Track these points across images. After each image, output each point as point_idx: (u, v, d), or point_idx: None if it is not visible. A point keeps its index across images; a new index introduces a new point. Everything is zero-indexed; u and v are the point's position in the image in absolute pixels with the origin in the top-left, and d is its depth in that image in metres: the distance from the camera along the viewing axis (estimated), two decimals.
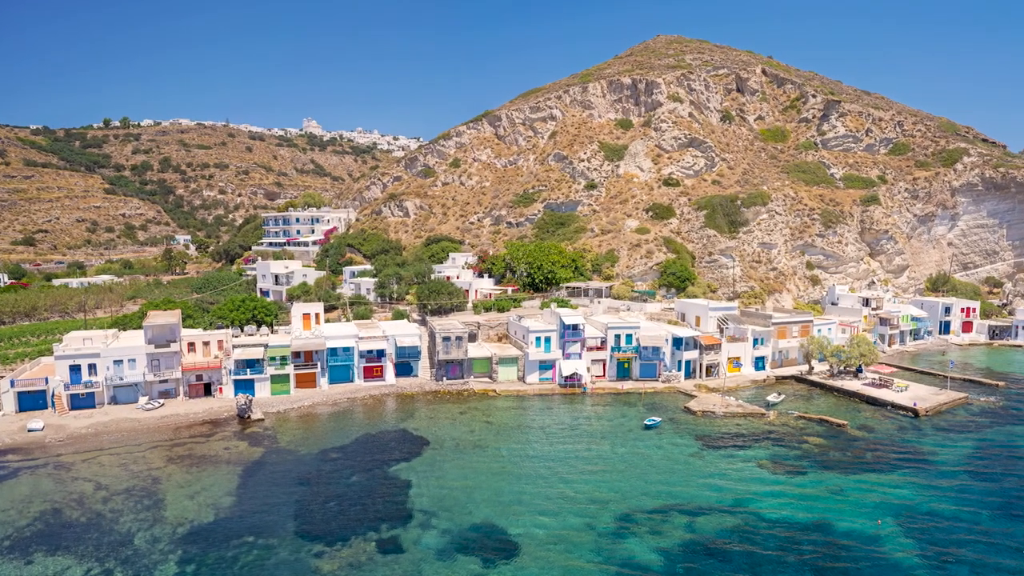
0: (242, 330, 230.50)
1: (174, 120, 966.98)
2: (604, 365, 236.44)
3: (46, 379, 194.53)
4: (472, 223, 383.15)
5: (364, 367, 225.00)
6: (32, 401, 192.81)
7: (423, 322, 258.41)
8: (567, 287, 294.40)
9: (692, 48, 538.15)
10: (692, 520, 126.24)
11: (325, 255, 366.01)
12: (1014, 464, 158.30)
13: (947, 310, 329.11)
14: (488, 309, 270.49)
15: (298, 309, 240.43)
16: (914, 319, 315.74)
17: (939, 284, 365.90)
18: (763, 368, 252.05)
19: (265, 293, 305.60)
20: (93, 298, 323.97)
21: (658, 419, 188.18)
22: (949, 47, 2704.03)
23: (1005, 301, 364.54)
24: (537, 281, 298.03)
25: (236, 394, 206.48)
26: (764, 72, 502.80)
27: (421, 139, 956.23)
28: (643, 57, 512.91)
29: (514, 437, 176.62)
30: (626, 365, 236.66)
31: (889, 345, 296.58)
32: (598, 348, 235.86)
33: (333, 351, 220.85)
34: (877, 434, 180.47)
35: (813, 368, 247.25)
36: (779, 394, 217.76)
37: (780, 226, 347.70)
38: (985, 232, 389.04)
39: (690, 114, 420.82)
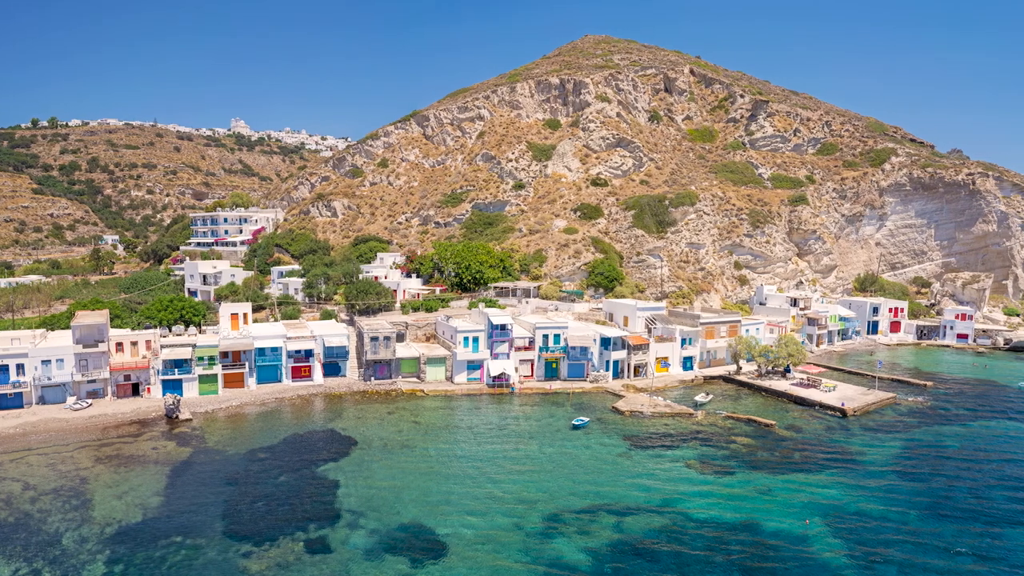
0: (170, 330, 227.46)
1: (102, 120, 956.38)
2: (532, 365, 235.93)
3: None
4: (400, 223, 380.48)
5: (292, 367, 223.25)
6: None
7: (351, 322, 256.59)
8: (495, 287, 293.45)
9: (620, 48, 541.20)
10: (620, 520, 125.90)
11: (253, 255, 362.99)
12: (942, 464, 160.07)
13: (875, 310, 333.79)
14: (416, 309, 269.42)
15: (226, 309, 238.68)
16: (842, 319, 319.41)
17: (867, 284, 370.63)
18: (691, 368, 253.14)
19: (193, 293, 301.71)
20: (21, 298, 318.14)
21: (586, 419, 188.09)
22: (877, 47, 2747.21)
23: (933, 301, 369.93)
24: (465, 281, 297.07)
25: (164, 394, 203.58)
26: (692, 72, 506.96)
27: (349, 139, 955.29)
28: (571, 57, 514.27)
29: (442, 437, 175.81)
30: (554, 365, 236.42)
31: (817, 345, 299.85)
32: (526, 348, 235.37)
33: (261, 351, 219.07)
34: (805, 434, 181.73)
35: (741, 368, 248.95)
36: (707, 394, 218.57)
37: (708, 226, 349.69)
38: (913, 232, 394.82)
39: (618, 114, 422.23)
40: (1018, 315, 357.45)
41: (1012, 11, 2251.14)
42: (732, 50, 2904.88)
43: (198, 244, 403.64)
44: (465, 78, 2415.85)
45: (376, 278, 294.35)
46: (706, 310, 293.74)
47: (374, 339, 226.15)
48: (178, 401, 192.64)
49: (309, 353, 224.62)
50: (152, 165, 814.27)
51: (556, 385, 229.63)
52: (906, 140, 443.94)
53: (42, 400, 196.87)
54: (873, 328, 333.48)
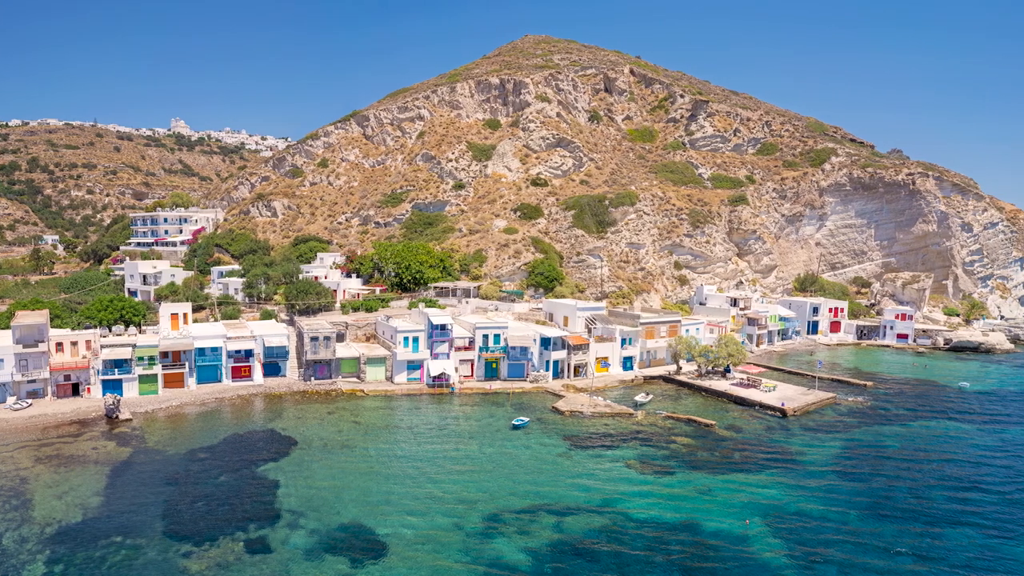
0: (110, 330, 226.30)
1: (42, 120, 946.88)
2: (472, 365, 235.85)
3: None
4: (340, 223, 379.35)
5: (232, 367, 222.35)
6: None
7: (291, 322, 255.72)
8: (435, 287, 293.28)
9: (560, 48, 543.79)
10: (560, 520, 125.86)
11: (193, 255, 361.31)
12: (881, 464, 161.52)
13: (815, 310, 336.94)
14: (356, 309, 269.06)
15: (166, 309, 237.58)
16: (782, 319, 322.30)
17: (807, 284, 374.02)
18: (631, 368, 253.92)
19: (133, 293, 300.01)
20: None
21: (526, 419, 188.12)
22: (817, 47, 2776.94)
23: (873, 301, 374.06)
24: (405, 281, 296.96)
25: (104, 394, 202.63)
26: (632, 72, 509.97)
27: (289, 139, 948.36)
28: (511, 57, 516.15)
29: (382, 437, 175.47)
30: (494, 365, 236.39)
31: (757, 345, 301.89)
32: (466, 348, 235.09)
33: (201, 351, 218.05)
34: (745, 434, 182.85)
35: (681, 368, 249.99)
36: (647, 394, 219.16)
37: (648, 226, 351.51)
38: (853, 232, 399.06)
39: (558, 114, 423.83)
40: (958, 315, 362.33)
41: (951, 11, 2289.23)
42: (672, 50, 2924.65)
43: (138, 244, 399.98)
44: (405, 78, 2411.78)
45: (316, 278, 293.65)
46: (646, 310, 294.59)
47: (314, 339, 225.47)
48: (118, 401, 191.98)
49: (249, 353, 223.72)
50: (92, 165, 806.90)
51: (496, 385, 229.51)
52: (846, 140, 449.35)
53: None
54: (813, 328, 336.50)
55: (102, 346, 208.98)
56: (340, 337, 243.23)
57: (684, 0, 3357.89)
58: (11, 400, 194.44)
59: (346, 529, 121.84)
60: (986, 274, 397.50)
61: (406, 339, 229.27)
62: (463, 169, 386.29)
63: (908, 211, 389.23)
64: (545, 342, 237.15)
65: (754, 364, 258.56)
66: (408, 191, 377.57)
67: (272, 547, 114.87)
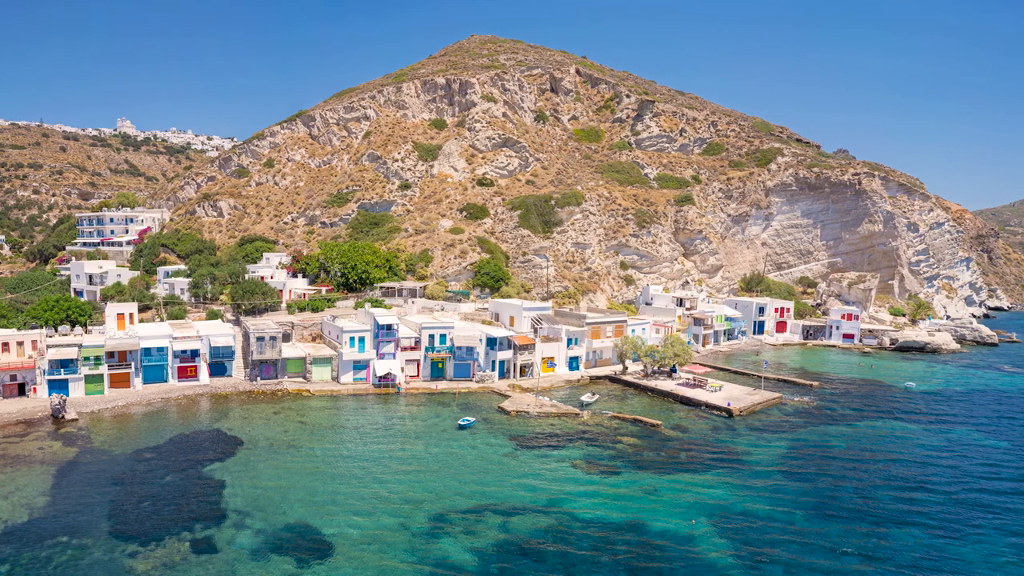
0: (56, 330, 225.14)
1: None
2: (418, 365, 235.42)
3: None
4: (286, 223, 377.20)
5: (178, 367, 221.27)
6: None
7: (237, 322, 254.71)
8: (381, 287, 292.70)
9: (506, 48, 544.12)
10: (506, 520, 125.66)
11: (139, 255, 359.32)
12: (828, 464, 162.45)
13: (761, 310, 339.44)
14: (302, 309, 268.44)
15: (112, 309, 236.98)
16: (728, 319, 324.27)
17: (753, 284, 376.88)
18: (577, 368, 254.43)
19: (79, 293, 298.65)
20: None
21: (472, 419, 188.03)
22: (763, 47, 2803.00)
23: (819, 301, 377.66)
24: (351, 281, 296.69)
25: (50, 394, 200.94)
26: (578, 72, 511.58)
27: (235, 139, 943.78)
28: (457, 57, 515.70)
29: (328, 437, 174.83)
30: (440, 365, 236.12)
31: (703, 345, 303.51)
32: (412, 348, 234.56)
33: (147, 351, 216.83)
34: (691, 434, 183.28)
35: (627, 368, 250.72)
36: (593, 394, 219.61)
37: (594, 226, 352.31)
38: (799, 232, 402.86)
39: (504, 114, 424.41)
40: (904, 315, 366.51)
41: (895, 12, 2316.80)
42: (618, 50, 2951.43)
43: (84, 244, 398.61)
44: (351, 78, 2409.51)
45: (262, 278, 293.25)
46: (592, 310, 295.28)
47: (260, 339, 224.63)
48: (64, 401, 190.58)
49: (195, 353, 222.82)
50: (38, 165, 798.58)
51: (442, 385, 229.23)
52: (792, 140, 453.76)
53: None
54: (759, 328, 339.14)
55: (48, 346, 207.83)
56: (286, 337, 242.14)
57: (630, 1, 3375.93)
58: None
59: (292, 529, 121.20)
60: (932, 274, 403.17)
61: (352, 339, 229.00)
62: (409, 169, 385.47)
63: (854, 211, 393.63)
64: (491, 342, 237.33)
65: (700, 364, 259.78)
66: (354, 191, 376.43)
67: (218, 547, 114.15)
